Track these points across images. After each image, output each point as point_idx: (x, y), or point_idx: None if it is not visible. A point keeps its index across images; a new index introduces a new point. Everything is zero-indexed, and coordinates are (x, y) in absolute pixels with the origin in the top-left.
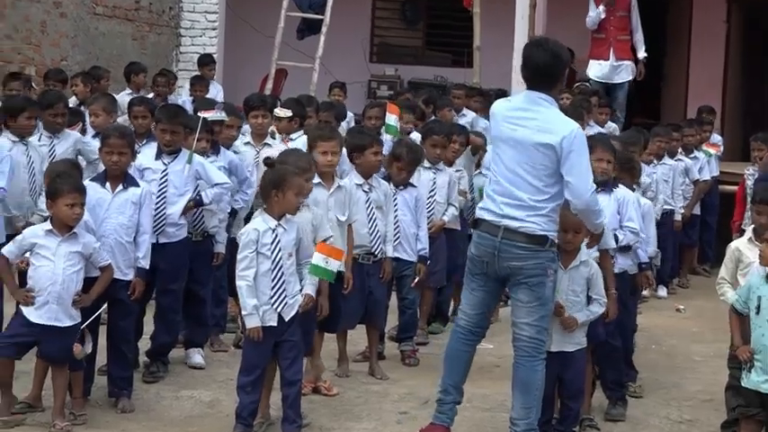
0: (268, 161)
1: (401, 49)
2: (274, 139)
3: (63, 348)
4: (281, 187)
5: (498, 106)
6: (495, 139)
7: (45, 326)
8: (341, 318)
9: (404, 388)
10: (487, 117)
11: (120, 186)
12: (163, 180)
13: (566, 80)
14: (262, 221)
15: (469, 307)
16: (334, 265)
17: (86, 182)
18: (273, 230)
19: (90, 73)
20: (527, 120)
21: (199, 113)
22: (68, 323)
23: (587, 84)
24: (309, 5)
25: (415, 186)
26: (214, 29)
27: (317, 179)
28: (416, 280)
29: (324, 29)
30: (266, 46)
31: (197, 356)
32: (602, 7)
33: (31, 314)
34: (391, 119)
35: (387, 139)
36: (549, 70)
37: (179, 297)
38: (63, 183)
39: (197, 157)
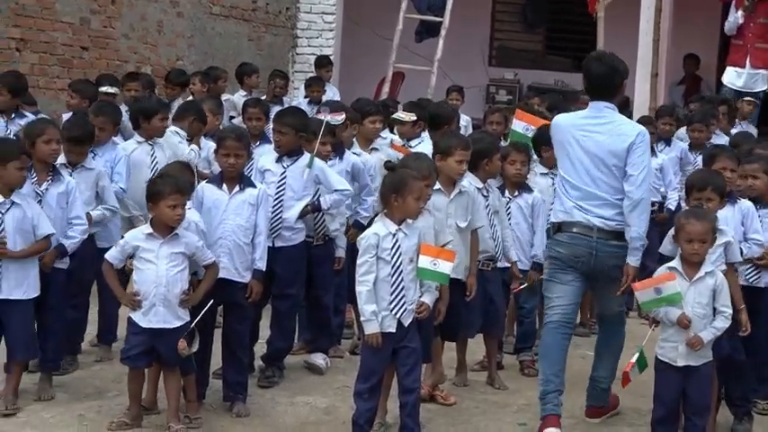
0: (389, 165)
1: (521, 53)
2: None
3: (174, 350)
4: (400, 192)
5: (563, 118)
6: (564, 148)
7: (155, 329)
8: (461, 326)
9: (523, 399)
10: None
11: (237, 188)
12: (281, 183)
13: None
14: (382, 226)
15: (563, 299)
16: (446, 267)
17: (203, 184)
18: (394, 235)
19: (208, 73)
20: (599, 125)
21: (321, 116)
22: (177, 324)
23: None
24: (428, 7)
25: (531, 191)
26: (331, 30)
27: (436, 186)
28: (524, 286)
29: (443, 31)
30: (383, 48)
31: (320, 359)
32: (740, 12)
33: (141, 320)
34: (519, 125)
35: None
36: (608, 81)
37: (295, 302)
38: (164, 184)
39: (318, 162)
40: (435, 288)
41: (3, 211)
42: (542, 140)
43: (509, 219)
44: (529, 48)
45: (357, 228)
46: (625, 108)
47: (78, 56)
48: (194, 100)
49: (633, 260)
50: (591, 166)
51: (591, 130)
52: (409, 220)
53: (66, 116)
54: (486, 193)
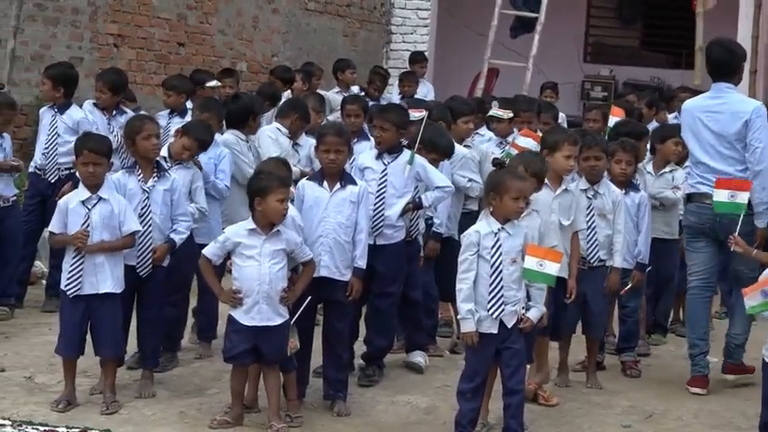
0: (496, 161)
1: (616, 49)
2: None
3: (277, 347)
4: (498, 191)
5: (692, 102)
6: (691, 128)
7: (259, 327)
8: (561, 325)
9: (626, 400)
10: None
11: (338, 185)
12: (382, 180)
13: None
14: (486, 224)
15: (700, 264)
16: (552, 268)
17: (303, 181)
18: (495, 234)
19: (308, 70)
20: (720, 105)
21: (412, 112)
22: (279, 321)
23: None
24: (523, 3)
25: (638, 190)
26: (425, 26)
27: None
28: (628, 287)
29: (538, 27)
30: (477, 44)
31: (419, 357)
32: None
33: (243, 317)
34: (614, 121)
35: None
36: (727, 63)
37: (396, 300)
38: (271, 179)
39: (418, 158)
40: (544, 302)
41: (89, 207)
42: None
43: None
44: (624, 44)
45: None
46: None
47: (175, 52)
48: (299, 98)
49: (761, 222)
50: (715, 142)
51: (713, 110)
52: (516, 221)
53: (161, 114)
54: (590, 195)
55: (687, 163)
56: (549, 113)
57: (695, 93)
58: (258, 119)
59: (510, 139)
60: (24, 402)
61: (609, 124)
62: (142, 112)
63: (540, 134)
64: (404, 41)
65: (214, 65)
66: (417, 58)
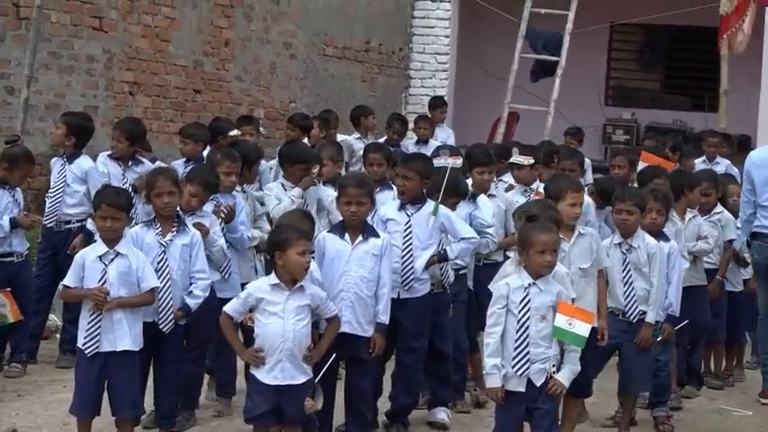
0: (528, 214)
1: (638, 92)
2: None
3: (300, 407)
4: (524, 245)
5: (756, 154)
6: (758, 175)
7: (282, 386)
8: (590, 380)
9: None
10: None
11: (360, 237)
12: (407, 232)
13: None
14: (517, 278)
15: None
16: (582, 329)
17: (324, 233)
18: (525, 289)
19: (326, 118)
20: None
21: (438, 161)
22: (303, 380)
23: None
24: (543, 46)
25: (668, 240)
26: (444, 70)
27: None
28: (658, 340)
29: (559, 71)
30: (497, 88)
31: (442, 413)
32: None
33: (265, 377)
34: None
35: None
36: None
37: (422, 356)
38: (291, 231)
39: (443, 209)
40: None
41: (107, 262)
42: None
43: None
44: (646, 86)
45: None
46: (746, 147)
47: (191, 99)
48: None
49: None
50: None
51: None
52: (546, 275)
53: (177, 163)
54: (625, 250)
55: (717, 210)
56: (572, 159)
57: (724, 137)
58: (255, 168)
59: (534, 186)
60: None
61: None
62: (159, 164)
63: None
64: (422, 86)
65: (231, 112)
66: (437, 102)
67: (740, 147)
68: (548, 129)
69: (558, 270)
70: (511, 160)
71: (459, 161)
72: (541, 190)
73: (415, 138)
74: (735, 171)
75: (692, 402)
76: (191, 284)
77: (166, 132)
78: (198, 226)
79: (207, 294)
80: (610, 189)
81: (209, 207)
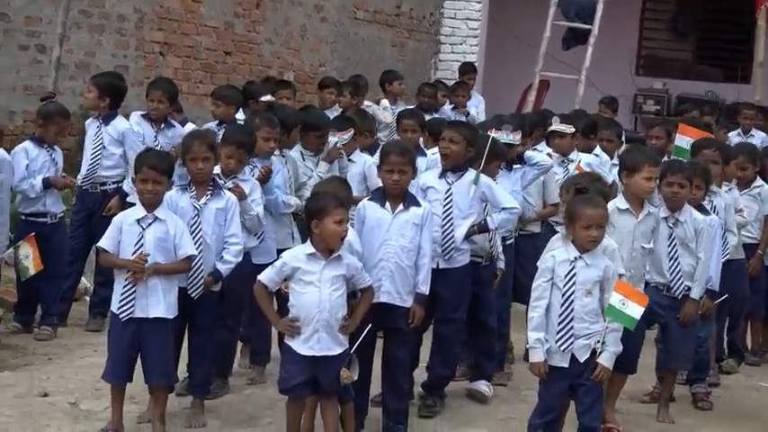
0: (579, 186)
1: (670, 62)
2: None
3: (336, 378)
4: (571, 219)
5: None
6: None
7: (317, 357)
8: (636, 356)
9: None
10: None
11: (401, 206)
12: (447, 201)
13: None
14: (563, 251)
15: None
16: (635, 311)
17: (365, 201)
18: (571, 263)
19: (357, 83)
20: None
21: (489, 132)
22: (339, 350)
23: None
24: (576, 14)
25: (708, 214)
26: (475, 36)
27: (623, 204)
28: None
29: (591, 39)
30: (527, 56)
31: (483, 386)
32: None
33: (301, 347)
34: (682, 141)
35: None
36: None
37: (460, 327)
38: (328, 199)
39: (484, 178)
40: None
41: (144, 226)
42: None
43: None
44: (678, 57)
45: None
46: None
47: (222, 60)
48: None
49: None
50: None
51: None
52: (596, 251)
53: (210, 125)
54: (671, 224)
55: (757, 184)
56: (611, 130)
57: (759, 109)
58: (294, 133)
59: (572, 157)
60: (69, 431)
61: (677, 143)
62: (189, 125)
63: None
64: (453, 52)
65: (261, 74)
66: (467, 69)
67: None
68: (579, 97)
69: (609, 245)
70: (553, 128)
71: (518, 137)
72: (583, 164)
73: (452, 104)
74: None
75: (730, 379)
76: (223, 249)
77: (196, 94)
78: (234, 188)
79: (239, 260)
80: None
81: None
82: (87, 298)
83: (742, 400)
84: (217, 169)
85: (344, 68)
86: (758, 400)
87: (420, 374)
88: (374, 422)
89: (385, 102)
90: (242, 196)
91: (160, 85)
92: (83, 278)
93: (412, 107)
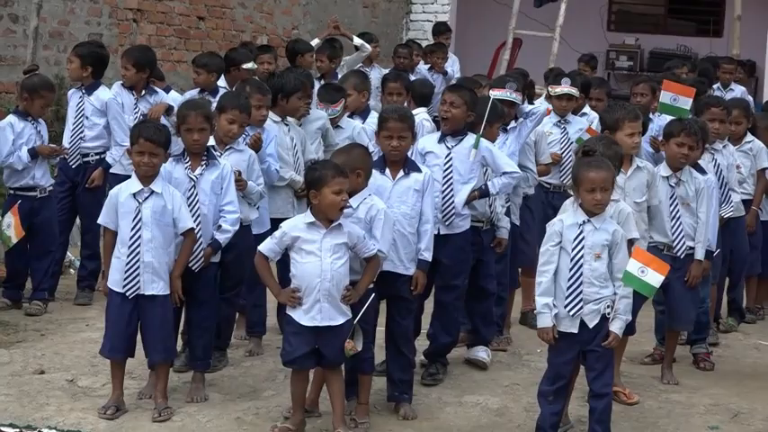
0: (587, 148)
1: (641, 17)
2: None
3: (339, 349)
4: (576, 183)
5: None
6: None
7: (320, 327)
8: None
9: (707, 397)
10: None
11: (401, 172)
12: (447, 166)
13: None
14: (572, 214)
15: None
16: (654, 279)
17: None
18: (579, 226)
19: (334, 46)
20: None
21: (489, 92)
22: (341, 320)
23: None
24: None
25: (705, 173)
26: None
27: None
28: (691, 277)
29: None
30: (499, 14)
31: (482, 352)
32: None
33: (302, 318)
34: (667, 97)
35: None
36: None
37: (461, 294)
38: (327, 168)
39: (484, 142)
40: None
41: (140, 200)
42: None
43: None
44: (650, 11)
45: None
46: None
47: (195, 26)
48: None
49: None
50: None
51: None
52: (603, 214)
53: (190, 94)
54: (673, 183)
55: (747, 139)
56: (600, 89)
57: (739, 63)
58: (293, 100)
59: (569, 119)
60: (70, 409)
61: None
62: (173, 93)
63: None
64: (424, 12)
65: (234, 39)
66: (441, 29)
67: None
68: (553, 55)
69: (623, 209)
70: (564, 91)
71: (520, 96)
72: (594, 126)
73: (429, 67)
74: (749, 98)
75: (728, 338)
76: (220, 218)
77: (170, 60)
78: (237, 179)
79: (236, 228)
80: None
81: (243, 143)
82: (72, 271)
83: (743, 359)
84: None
85: (317, 31)
86: (760, 358)
87: (422, 342)
88: (377, 392)
89: (357, 39)
90: (243, 187)
91: (128, 52)
92: (68, 252)
93: (397, 71)
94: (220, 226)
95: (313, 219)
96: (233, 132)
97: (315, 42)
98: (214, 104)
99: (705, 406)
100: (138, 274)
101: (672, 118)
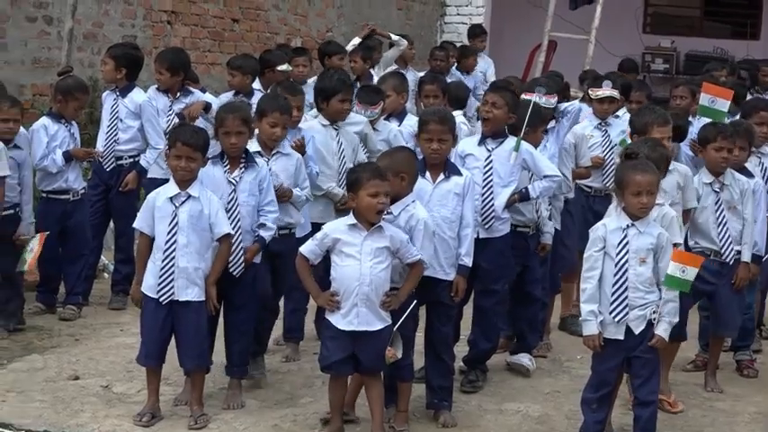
0: (630, 151)
1: (677, 20)
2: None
3: (377, 355)
4: (620, 186)
5: None
6: None
7: (357, 332)
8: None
9: (752, 405)
10: None
11: (442, 176)
12: (487, 168)
13: None
14: (615, 219)
15: None
16: (692, 274)
17: None
18: (623, 230)
19: (369, 46)
20: None
21: (527, 96)
22: (380, 326)
23: None
24: None
25: (752, 176)
26: None
27: None
28: (738, 279)
29: None
30: (534, 16)
31: (526, 359)
32: None
33: (339, 322)
34: (706, 99)
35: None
36: None
37: (501, 299)
38: (364, 170)
39: (525, 145)
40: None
41: (177, 204)
42: None
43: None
44: (686, 14)
45: None
46: None
47: (229, 28)
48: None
49: None
50: None
51: None
52: (650, 217)
53: (226, 96)
54: (717, 188)
55: None
56: (641, 92)
57: None
58: (334, 102)
59: (611, 121)
60: (105, 415)
61: (701, 102)
62: (208, 95)
63: None
64: (458, 14)
65: (268, 41)
66: (476, 31)
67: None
68: (589, 58)
69: (667, 212)
70: (606, 94)
71: (554, 101)
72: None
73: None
74: None
75: None
76: (261, 216)
77: (204, 63)
78: (280, 192)
79: (276, 226)
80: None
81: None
82: (106, 275)
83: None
84: (253, 146)
85: (352, 33)
86: None
87: (460, 348)
88: (417, 398)
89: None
90: (288, 197)
91: (160, 55)
92: (101, 255)
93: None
94: (264, 224)
95: (355, 221)
96: (276, 135)
97: (352, 44)
98: (253, 108)
99: (750, 414)
100: (172, 280)
101: (709, 121)
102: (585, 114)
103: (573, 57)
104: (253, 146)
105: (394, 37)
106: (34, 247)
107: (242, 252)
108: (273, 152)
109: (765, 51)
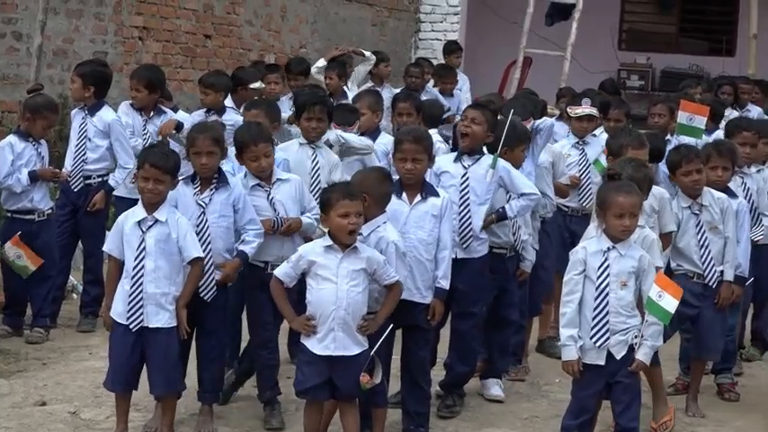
0: (612, 171)
1: (653, 36)
2: None
3: (353, 381)
4: (602, 207)
5: None
6: None
7: (333, 357)
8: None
9: (734, 431)
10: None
11: (419, 196)
12: (464, 186)
13: None
14: (595, 241)
15: None
16: (669, 304)
17: None
18: (604, 253)
19: (345, 62)
20: None
21: (569, 111)
22: (357, 351)
23: None
24: None
25: (736, 197)
26: (456, 14)
27: None
28: (721, 299)
29: (576, 14)
30: (509, 32)
31: (496, 388)
32: None
33: (315, 346)
34: (684, 117)
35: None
36: None
37: (478, 322)
38: (334, 191)
39: (502, 162)
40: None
41: (144, 229)
42: None
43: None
44: (662, 30)
45: None
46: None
47: (202, 44)
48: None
49: None
50: None
51: None
52: (628, 241)
53: (198, 114)
54: (696, 211)
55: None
56: (620, 109)
57: (757, 83)
58: (301, 120)
59: (588, 140)
60: None
61: (679, 120)
62: (181, 113)
63: None
64: (433, 30)
65: (241, 57)
66: (452, 48)
67: None
68: (565, 75)
69: (648, 235)
70: (585, 112)
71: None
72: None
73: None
74: (766, 118)
75: (753, 367)
76: (243, 233)
77: (176, 79)
78: (288, 227)
79: (261, 240)
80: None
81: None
82: (75, 296)
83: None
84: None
85: (325, 49)
86: None
87: (438, 372)
88: (393, 425)
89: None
90: (296, 229)
91: (137, 72)
92: (70, 276)
93: (408, 91)
94: (244, 239)
95: (331, 242)
96: (263, 167)
97: (317, 66)
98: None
99: None
100: (141, 306)
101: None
102: (559, 132)
103: (548, 73)
104: (251, 180)
105: (366, 53)
106: (18, 252)
107: (213, 276)
108: (273, 180)
109: (741, 68)
